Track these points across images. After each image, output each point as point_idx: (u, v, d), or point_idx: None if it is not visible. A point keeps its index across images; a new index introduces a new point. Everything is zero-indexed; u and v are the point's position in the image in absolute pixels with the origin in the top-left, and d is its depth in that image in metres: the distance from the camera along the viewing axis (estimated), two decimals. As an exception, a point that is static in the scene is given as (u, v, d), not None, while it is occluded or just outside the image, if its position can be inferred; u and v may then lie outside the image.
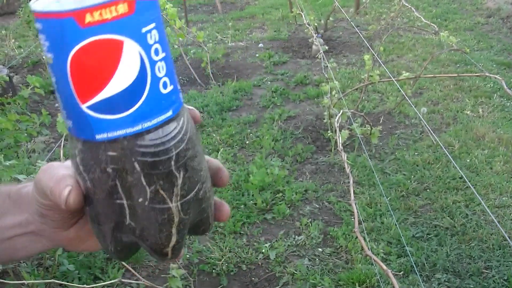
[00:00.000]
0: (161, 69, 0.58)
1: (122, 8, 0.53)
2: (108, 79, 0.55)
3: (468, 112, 6.25)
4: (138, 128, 0.57)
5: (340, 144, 3.83)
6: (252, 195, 4.72)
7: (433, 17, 9.86)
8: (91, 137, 0.58)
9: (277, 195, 4.74)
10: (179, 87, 0.62)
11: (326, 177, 5.04)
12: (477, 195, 3.96)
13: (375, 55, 6.02)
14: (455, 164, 4.32)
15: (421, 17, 7.04)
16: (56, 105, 6.79)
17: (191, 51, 8.56)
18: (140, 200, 0.60)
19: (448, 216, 4.42)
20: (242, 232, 4.32)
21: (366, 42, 6.82)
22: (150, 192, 0.60)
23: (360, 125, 5.26)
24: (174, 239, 0.64)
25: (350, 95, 6.14)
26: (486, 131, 5.74)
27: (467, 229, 4.27)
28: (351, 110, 5.38)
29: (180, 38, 7.43)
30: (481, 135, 5.69)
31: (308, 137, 5.72)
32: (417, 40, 8.89)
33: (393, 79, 5.33)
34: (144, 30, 0.55)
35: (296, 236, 4.24)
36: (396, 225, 4.30)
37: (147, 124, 0.58)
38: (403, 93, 5.12)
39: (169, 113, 0.59)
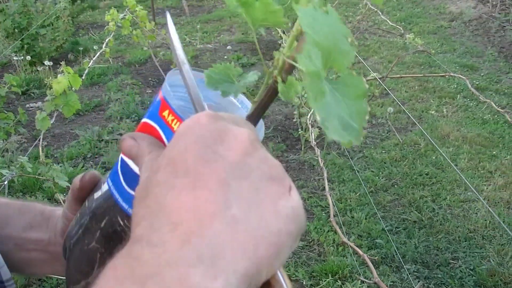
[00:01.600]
0: None
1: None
2: None
3: (433, 112, 6.43)
4: None
5: (313, 140, 3.94)
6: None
7: (397, 21, 10.04)
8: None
9: (249, 192, 4.83)
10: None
11: (297, 174, 5.15)
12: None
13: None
14: (421, 162, 4.46)
15: (387, 20, 7.21)
16: (28, 105, 6.82)
17: (161, 53, 8.61)
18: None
19: (416, 211, 4.57)
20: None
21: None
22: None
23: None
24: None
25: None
26: (450, 130, 5.91)
27: (434, 223, 4.42)
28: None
29: (150, 40, 7.49)
30: (446, 134, 5.86)
31: (278, 136, 5.84)
32: (382, 42, 9.06)
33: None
34: None
35: (270, 231, 4.34)
36: (366, 219, 4.43)
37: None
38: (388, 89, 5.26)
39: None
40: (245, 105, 0.68)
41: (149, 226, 0.45)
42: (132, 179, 0.63)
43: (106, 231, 0.65)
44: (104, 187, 0.68)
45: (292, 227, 0.47)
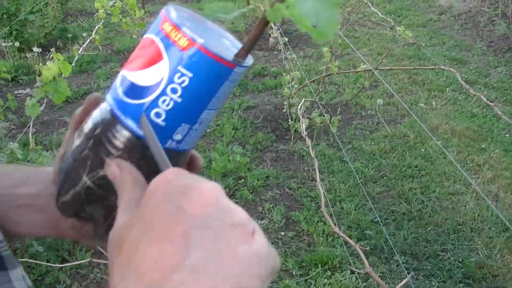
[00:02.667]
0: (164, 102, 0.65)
1: (185, 43, 0.62)
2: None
3: (422, 105, 6.45)
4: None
5: (304, 130, 3.95)
6: (215, 181, 4.80)
7: (387, 13, 10.05)
8: None
9: (239, 181, 4.84)
10: (175, 137, 0.67)
11: (286, 164, 5.16)
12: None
13: (333, 48, 6.16)
14: (411, 154, 4.48)
15: (378, 12, 7.21)
16: (16, 91, 6.78)
17: (150, 42, 8.58)
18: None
19: (405, 202, 4.59)
20: (206, 216, 4.41)
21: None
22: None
23: (318, 115, 5.40)
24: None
25: (307, 86, 6.27)
26: (439, 123, 5.93)
27: (423, 215, 4.44)
28: (312, 99, 5.52)
29: (139, 28, 7.46)
30: (435, 126, 5.88)
31: (267, 127, 5.83)
32: (371, 35, 9.07)
33: (352, 71, 5.47)
34: (179, 68, 0.63)
35: (259, 220, 4.35)
36: (355, 210, 4.45)
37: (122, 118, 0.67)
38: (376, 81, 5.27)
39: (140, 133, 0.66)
40: (235, 47, 0.69)
41: (121, 277, 0.51)
42: (131, 90, 0.66)
43: (98, 138, 0.67)
44: (102, 105, 0.70)
45: (256, 269, 0.50)
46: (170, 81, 0.63)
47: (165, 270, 0.48)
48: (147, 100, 0.64)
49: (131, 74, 0.66)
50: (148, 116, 0.64)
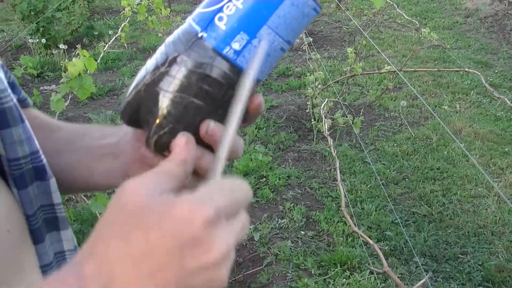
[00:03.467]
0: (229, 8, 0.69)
1: None
2: None
3: (446, 107, 6.43)
4: None
5: (326, 130, 3.96)
6: (237, 179, 4.82)
7: (412, 15, 10.02)
8: None
9: (261, 180, 4.86)
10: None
11: (308, 164, 5.17)
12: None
13: (358, 49, 6.16)
14: (433, 156, 4.47)
15: (403, 14, 7.20)
16: (42, 87, 6.85)
17: (175, 40, 8.63)
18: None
19: (426, 204, 4.58)
20: (226, 214, 4.43)
21: (351, 34, 6.94)
22: None
23: (341, 116, 5.40)
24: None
25: (331, 87, 6.28)
26: (463, 126, 5.91)
27: (444, 217, 4.43)
28: (335, 99, 5.52)
29: (165, 27, 7.50)
30: (458, 129, 5.86)
31: (290, 126, 5.84)
32: (397, 36, 9.05)
33: (376, 72, 5.47)
34: None
35: (280, 219, 4.37)
36: (376, 211, 4.45)
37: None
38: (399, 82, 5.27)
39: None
40: None
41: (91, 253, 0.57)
42: (207, 2, 0.70)
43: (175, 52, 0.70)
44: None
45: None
46: None
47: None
48: (216, 6, 0.68)
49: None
50: (212, 19, 0.68)
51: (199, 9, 0.70)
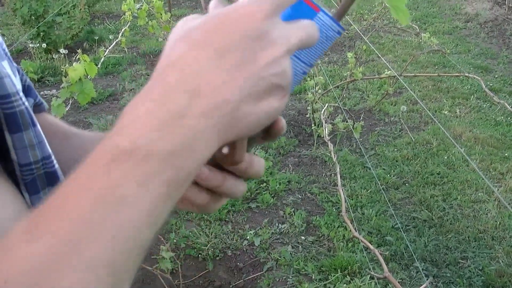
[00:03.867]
0: None
1: None
2: None
3: (446, 112, 6.43)
4: None
5: (327, 135, 3.96)
6: (237, 184, 4.83)
7: (413, 20, 10.04)
8: None
9: (261, 185, 4.86)
10: None
11: (308, 169, 5.17)
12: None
13: (358, 53, 6.16)
14: (433, 161, 4.47)
15: (403, 19, 7.19)
16: (42, 92, 6.86)
17: (176, 45, 8.64)
18: None
19: (426, 209, 4.58)
20: (227, 219, 4.44)
21: (351, 39, 6.95)
22: None
23: (341, 121, 5.41)
24: None
25: (331, 92, 6.28)
26: (463, 131, 5.92)
27: (444, 222, 4.44)
28: (335, 104, 5.53)
29: (165, 31, 7.51)
30: (458, 134, 5.87)
31: (290, 131, 5.85)
32: (397, 41, 9.06)
33: (376, 77, 5.48)
34: None
35: (280, 224, 4.37)
36: (376, 216, 4.45)
37: None
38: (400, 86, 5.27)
39: None
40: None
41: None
42: None
43: None
44: None
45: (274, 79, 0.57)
46: None
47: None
48: None
49: None
50: None
51: None
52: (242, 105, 0.55)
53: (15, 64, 0.86)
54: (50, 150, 0.80)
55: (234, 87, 0.55)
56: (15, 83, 0.75)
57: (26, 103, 0.75)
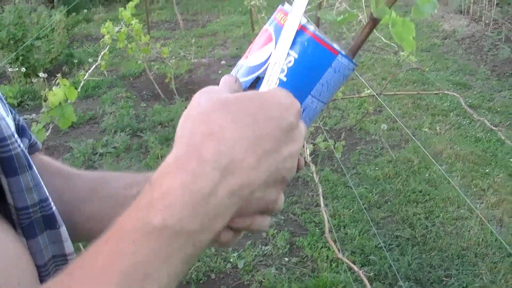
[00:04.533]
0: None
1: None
2: None
3: (426, 130, 6.46)
4: None
5: (308, 155, 3.96)
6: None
7: (391, 38, 10.05)
8: None
9: (243, 207, 4.84)
10: None
11: (290, 190, 5.17)
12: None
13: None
14: (415, 179, 4.48)
15: (381, 37, 7.24)
16: (22, 117, 6.81)
17: (155, 67, 8.64)
18: None
19: (409, 228, 4.59)
20: (210, 242, 4.41)
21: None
22: None
23: (323, 140, 5.41)
24: None
25: (312, 111, 6.27)
26: (443, 148, 5.94)
27: (428, 240, 4.44)
28: (316, 125, 5.53)
29: (144, 53, 7.50)
30: (439, 151, 5.89)
31: (272, 152, 5.84)
32: (376, 59, 9.11)
33: (356, 96, 5.50)
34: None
35: (263, 246, 4.36)
36: (359, 235, 4.45)
37: None
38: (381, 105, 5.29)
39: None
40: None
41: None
42: (245, 71, 0.72)
43: None
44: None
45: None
46: (278, 63, 0.69)
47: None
48: (255, 74, 0.70)
49: (246, 59, 0.72)
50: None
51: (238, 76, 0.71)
52: (257, 190, 0.59)
53: (7, 105, 0.85)
54: (47, 193, 0.79)
55: (260, 173, 0.58)
56: (10, 125, 0.74)
57: (22, 145, 0.74)
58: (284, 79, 0.68)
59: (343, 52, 0.70)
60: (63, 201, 0.82)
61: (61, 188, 0.84)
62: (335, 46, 0.69)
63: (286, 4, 0.72)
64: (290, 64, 0.68)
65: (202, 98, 0.61)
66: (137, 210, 0.55)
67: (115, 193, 0.85)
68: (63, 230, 0.81)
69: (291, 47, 0.68)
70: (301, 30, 0.68)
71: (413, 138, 4.84)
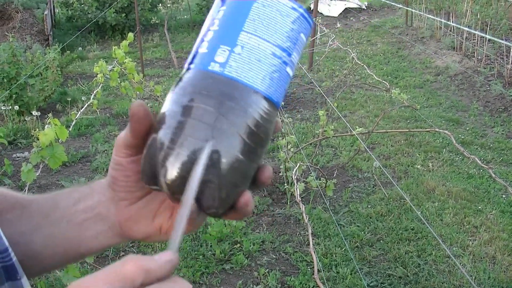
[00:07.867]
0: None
1: None
2: None
3: (419, 167, 6.46)
4: None
5: (298, 195, 3.96)
6: (211, 246, 4.80)
7: (384, 75, 10.15)
8: None
9: (235, 246, 4.83)
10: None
11: (282, 228, 5.15)
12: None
13: (330, 110, 6.20)
14: (407, 216, 4.47)
15: (373, 75, 7.29)
16: (14, 155, 6.81)
17: (148, 105, 8.62)
18: None
19: (401, 266, 4.57)
20: (201, 281, 4.39)
21: (323, 95, 7.00)
22: None
23: (315, 178, 5.41)
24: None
25: (304, 149, 6.30)
26: (436, 185, 5.94)
27: (420, 278, 4.42)
28: (307, 163, 5.54)
29: (138, 92, 7.52)
30: (432, 188, 5.89)
31: (264, 190, 5.83)
32: (368, 96, 9.14)
33: (348, 134, 5.51)
34: (218, 8, 0.72)
35: (254, 286, 4.33)
36: (351, 274, 4.42)
37: None
38: (365, 144, 5.29)
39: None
40: None
41: None
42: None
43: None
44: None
45: None
46: (211, 21, 0.71)
47: None
48: (197, 42, 0.71)
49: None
50: (196, 52, 0.70)
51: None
52: None
53: None
54: (7, 243, 0.77)
55: None
56: None
57: None
58: (216, 28, 0.69)
59: None
60: (21, 232, 0.81)
61: (17, 221, 0.83)
62: None
63: None
64: (220, 15, 0.70)
65: None
66: None
67: (66, 213, 0.84)
68: (24, 280, 0.79)
69: (221, 1, 0.71)
70: None
71: (405, 175, 4.83)
